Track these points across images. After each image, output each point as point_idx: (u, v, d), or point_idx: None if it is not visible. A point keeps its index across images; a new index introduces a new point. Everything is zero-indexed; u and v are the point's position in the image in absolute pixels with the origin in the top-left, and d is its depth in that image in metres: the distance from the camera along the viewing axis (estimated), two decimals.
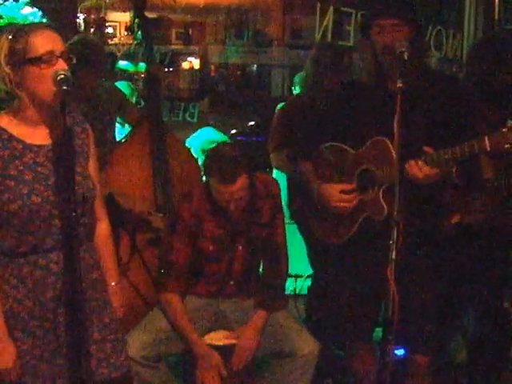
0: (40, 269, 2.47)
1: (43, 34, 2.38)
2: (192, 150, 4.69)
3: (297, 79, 6.50)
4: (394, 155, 2.87)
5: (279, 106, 6.21)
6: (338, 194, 3.17)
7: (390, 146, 2.95)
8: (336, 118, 3.23)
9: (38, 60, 2.34)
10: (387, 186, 3.01)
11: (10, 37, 2.37)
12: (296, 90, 6.37)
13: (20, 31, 2.39)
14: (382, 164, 3.03)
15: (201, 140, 5.17)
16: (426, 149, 2.88)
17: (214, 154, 3.23)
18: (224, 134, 5.63)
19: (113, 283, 2.76)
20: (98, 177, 2.72)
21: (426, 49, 3.29)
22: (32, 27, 2.42)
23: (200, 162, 4.46)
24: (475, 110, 3.21)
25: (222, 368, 3.30)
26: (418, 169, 2.87)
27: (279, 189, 3.49)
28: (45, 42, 2.36)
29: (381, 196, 3.06)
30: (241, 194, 3.18)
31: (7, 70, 2.36)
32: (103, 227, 2.77)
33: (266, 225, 3.41)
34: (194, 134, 5.36)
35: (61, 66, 2.36)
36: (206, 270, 3.41)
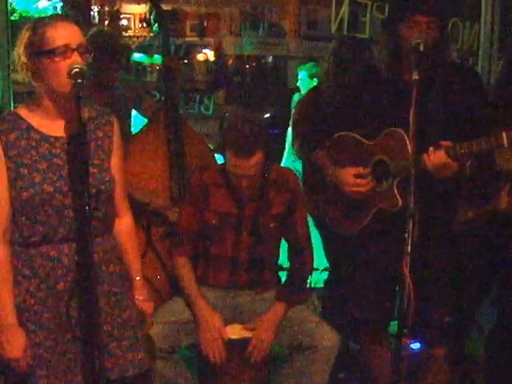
0: (51, 260, 2.50)
1: (61, 27, 2.40)
2: None
3: (303, 73, 6.47)
4: (409, 147, 2.87)
5: (295, 96, 6.21)
6: (352, 178, 3.18)
7: (406, 137, 2.94)
8: (352, 108, 3.22)
9: (51, 53, 2.37)
10: (402, 177, 3.00)
11: (30, 28, 2.41)
12: (302, 83, 6.35)
13: (39, 22, 2.43)
14: (397, 155, 3.02)
15: None
16: (443, 143, 2.87)
17: (233, 127, 3.23)
18: None
19: (137, 278, 2.78)
20: (122, 171, 2.73)
21: (449, 41, 3.25)
22: (51, 19, 2.46)
23: None
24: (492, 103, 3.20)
25: (223, 331, 3.31)
26: (438, 159, 2.86)
27: (298, 182, 3.48)
28: (61, 35, 2.38)
29: (395, 188, 3.05)
30: (255, 170, 3.18)
31: (25, 60, 2.40)
32: (125, 223, 2.77)
33: (277, 217, 3.39)
34: None
35: (75, 59, 2.38)
36: (212, 253, 3.41)
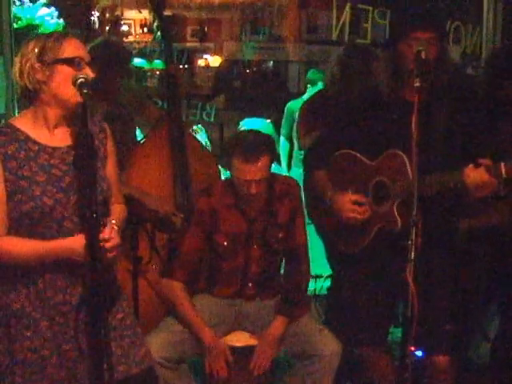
0: (50, 272, 2.50)
1: (75, 42, 2.48)
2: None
3: (311, 75, 6.45)
4: (409, 169, 2.89)
5: (291, 104, 6.18)
6: (350, 204, 3.16)
7: (406, 160, 2.94)
8: (353, 127, 3.21)
9: (69, 61, 2.43)
10: (401, 199, 3.00)
11: (43, 38, 2.46)
12: (311, 87, 6.33)
13: (53, 35, 2.49)
14: (397, 178, 3.02)
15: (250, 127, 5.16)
16: (482, 161, 2.83)
17: (237, 137, 3.35)
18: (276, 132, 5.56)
19: (112, 221, 2.60)
20: (117, 176, 2.75)
21: (449, 55, 3.24)
22: (63, 34, 2.52)
23: None
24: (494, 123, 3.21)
25: (228, 355, 3.31)
26: (480, 176, 2.81)
27: (299, 190, 3.49)
28: (76, 48, 2.47)
29: (395, 209, 3.04)
30: (262, 175, 3.21)
31: (36, 66, 2.43)
32: (116, 206, 2.76)
33: (283, 226, 3.41)
34: (250, 120, 5.33)
35: (88, 71, 2.45)
36: (222, 269, 3.42)
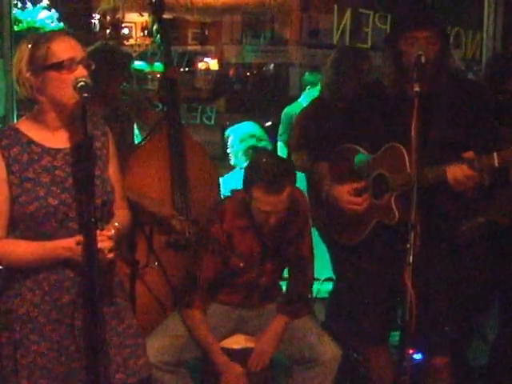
0: (56, 273, 2.50)
1: (64, 41, 2.44)
2: (231, 139, 4.74)
3: (308, 78, 6.43)
4: (408, 162, 2.91)
5: (288, 108, 6.17)
6: (347, 195, 3.18)
7: (405, 152, 2.95)
8: (355, 120, 3.22)
9: (58, 66, 2.40)
10: (400, 192, 3.00)
11: (31, 44, 2.43)
12: (309, 90, 6.32)
13: (41, 39, 2.45)
14: (396, 170, 3.03)
15: (242, 132, 5.15)
16: (466, 154, 2.84)
17: (259, 165, 3.15)
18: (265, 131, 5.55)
19: (116, 223, 2.58)
20: (120, 176, 2.73)
21: (451, 55, 3.25)
22: (52, 35, 2.49)
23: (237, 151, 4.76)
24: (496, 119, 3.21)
25: (244, 381, 3.29)
26: (462, 172, 2.83)
27: (307, 202, 3.48)
28: (65, 49, 2.42)
29: (393, 202, 3.05)
30: (283, 206, 3.15)
31: (28, 75, 2.42)
32: (121, 211, 2.72)
33: (294, 240, 3.40)
34: (237, 125, 5.33)
35: (81, 72, 2.42)
36: (236, 284, 3.41)
